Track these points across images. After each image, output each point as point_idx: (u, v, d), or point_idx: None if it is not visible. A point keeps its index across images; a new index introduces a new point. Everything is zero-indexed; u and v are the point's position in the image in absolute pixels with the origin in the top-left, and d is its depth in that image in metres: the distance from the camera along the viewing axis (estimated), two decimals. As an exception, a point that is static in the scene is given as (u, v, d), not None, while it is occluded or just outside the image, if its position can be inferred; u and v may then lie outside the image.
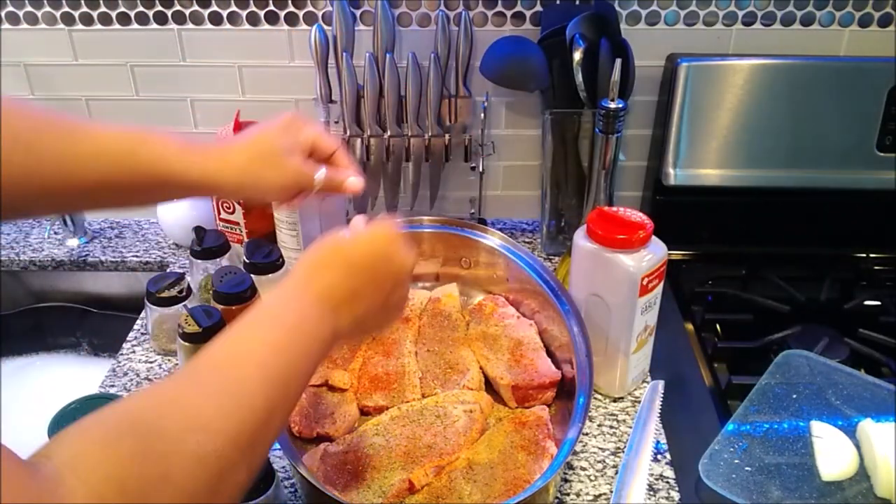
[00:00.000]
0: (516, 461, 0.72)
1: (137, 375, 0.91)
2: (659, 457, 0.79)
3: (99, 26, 1.07)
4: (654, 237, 0.79)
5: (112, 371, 0.92)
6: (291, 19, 1.05)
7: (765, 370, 0.85)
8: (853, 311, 1.00)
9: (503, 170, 1.17)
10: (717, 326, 0.98)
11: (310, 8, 1.05)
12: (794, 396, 0.83)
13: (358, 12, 1.04)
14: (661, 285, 0.81)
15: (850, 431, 0.78)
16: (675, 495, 0.75)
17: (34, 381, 1.09)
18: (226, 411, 0.45)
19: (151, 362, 0.93)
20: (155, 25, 1.06)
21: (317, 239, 0.60)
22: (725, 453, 0.76)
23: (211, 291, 0.92)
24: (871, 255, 1.11)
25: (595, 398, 0.86)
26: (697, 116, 1.03)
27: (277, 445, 0.68)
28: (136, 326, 0.99)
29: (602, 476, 0.77)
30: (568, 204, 1.10)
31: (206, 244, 0.97)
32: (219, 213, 1.07)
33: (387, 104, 1.04)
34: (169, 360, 0.93)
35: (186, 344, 0.84)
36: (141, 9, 1.05)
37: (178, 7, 1.05)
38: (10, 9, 1.06)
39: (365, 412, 0.81)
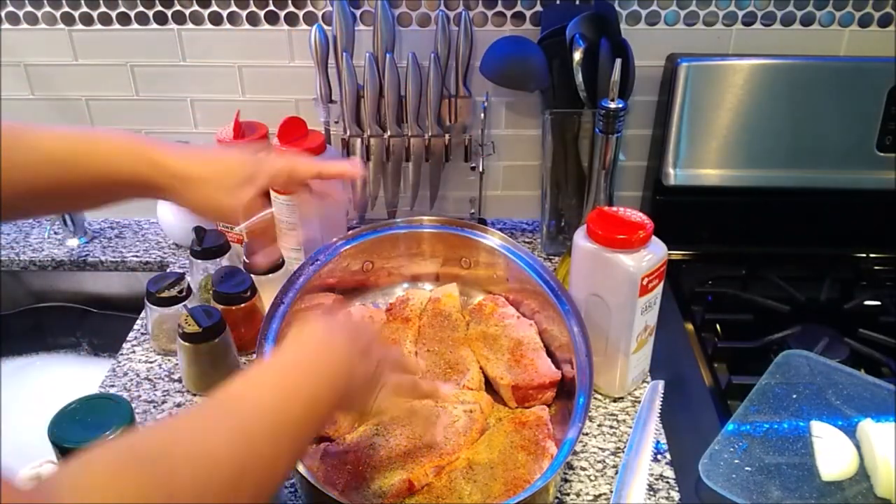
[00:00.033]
0: (516, 461, 0.72)
1: (137, 375, 0.91)
2: (659, 457, 0.79)
3: (99, 26, 1.07)
4: (654, 237, 0.79)
5: (112, 371, 0.92)
6: (291, 19, 1.05)
7: (765, 370, 0.85)
8: (853, 311, 1.00)
9: (503, 170, 1.17)
10: (717, 326, 0.98)
11: (310, 8, 1.05)
12: (794, 396, 0.83)
13: (358, 12, 1.04)
14: (661, 285, 0.81)
15: (850, 431, 0.78)
16: (675, 495, 0.75)
17: (34, 381, 1.09)
18: (234, 445, 0.45)
19: (151, 362, 0.93)
20: (155, 25, 1.06)
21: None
22: (725, 453, 0.76)
23: (211, 291, 0.92)
24: (871, 255, 1.11)
25: (595, 398, 0.86)
26: (697, 116, 1.03)
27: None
28: (136, 326, 0.99)
29: (602, 476, 0.77)
30: (568, 204, 1.10)
31: (206, 244, 0.97)
32: (219, 213, 1.07)
33: (387, 104, 1.04)
34: (169, 360, 0.93)
35: (186, 344, 0.84)
36: (141, 9, 1.05)
37: (178, 7, 1.05)
38: (10, 9, 1.06)
39: (365, 412, 0.81)
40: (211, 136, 1.04)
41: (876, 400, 0.81)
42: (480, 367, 0.84)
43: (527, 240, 1.17)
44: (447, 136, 1.07)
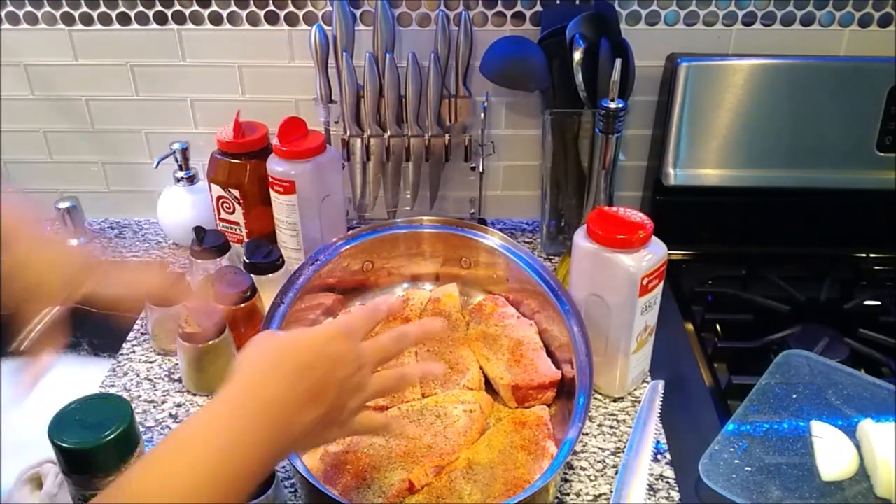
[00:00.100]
0: (516, 461, 0.72)
1: (137, 375, 0.91)
2: (659, 457, 0.79)
3: (99, 26, 1.07)
4: (654, 237, 0.79)
5: (112, 371, 0.92)
6: (291, 19, 1.05)
7: (765, 370, 0.85)
8: (853, 311, 1.00)
9: (503, 170, 1.17)
10: (717, 326, 0.98)
11: (310, 8, 1.05)
12: (794, 396, 0.83)
13: (358, 12, 1.04)
14: (661, 285, 0.81)
15: (850, 431, 0.78)
16: (675, 495, 0.75)
17: (34, 381, 1.09)
18: None
19: (151, 362, 0.93)
20: (155, 25, 1.06)
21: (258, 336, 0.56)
22: (725, 453, 0.76)
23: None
24: (871, 255, 1.11)
25: (595, 398, 0.86)
26: (697, 116, 1.03)
27: (277, 445, 0.68)
28: (136, 326, 1.00)
29: (602, 476, 0.77)
30: (568, 204, 1.10)
31: (206, 244, 0.97)
32: (219, 213, 1.07)
33: (387, 104, 1.04)
34: (169, 360, 0.93)
35: (186, 344, 0.84)
36: (141, 9, 1.05)
37: (178, 7, 1.05)
38: (10, 9, 1.06)
39: (365, 412, 0.81)
40: (211, 136, 1.04)
41: (876, 400, 0.81)
42: (480, 367, 0.84)
43: (527, 240, 1.17)
44: (447, 136, 1.07)
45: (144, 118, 1.14)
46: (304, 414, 0.52)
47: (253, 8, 1.04)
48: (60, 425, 0.61)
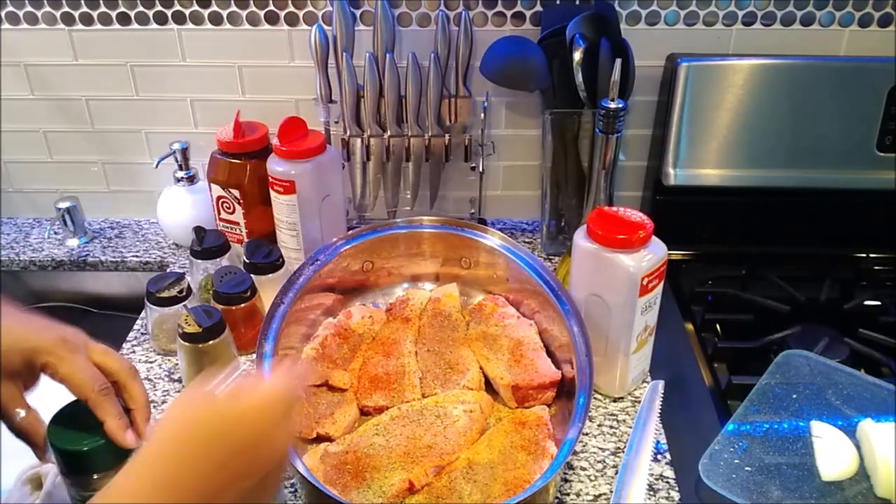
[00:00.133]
0: (516, 461, 0.72)
1: (137, 375, 0.91)
2: (659, 457, 0.79)
3: (99, 26, 1.07)
4: (654, 237, 0.79)
5: (112, 371, 0.92)
6: (291, 19, 1.05)
7: (765, 370, 0.85)
8: (853, 311, 1.00)
9: (503, 170, 1.17)
10: (717, 326, 0.98)
11: (310, 8, 1.05)
12: (794, 396, 0.83)
13: (358, 12, 1.04)
14: (661, 285, 0.81)
15: (850, 431, 0.78)
16: (675, 495, 0.75)
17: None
18: None
19: (151, 362, 0.93)
20: (155, 25, 1.06)
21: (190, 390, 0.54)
22: (725, 453, 0.76)
23: (211, 291, 0.92)
24: (871, 255, 1.11)
25: (595, 398, 0.86)
26: (697, 116, 1.03)
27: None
28: (136, 326, 0.99)
29: (602, 476, 0.77)
30: (568, 204, 1.10)
31: (206, 244, 0.97)
32: (219, 213, 1.07)
33: (387, 104, 1.04)
34: (169, 360, 0.93)
35: (186, 344, 0.84)
36: (141, 9, 1.05)
37: (178, 7, 1.05)
38: (10, 9, 1.06)
39: (365, 412, 0.81)
40: (211, 136, 1.04)
41: (876, 400, 0.81)
42: (480, 367, 0.84)
43: (527, 240, 1.17)
44: (447, 136, 1.07)
45: (144, 118, 1.14)
46: (233, 490, 0.48)
47: (253, 8, 1.04)
48: (59, 426, 0.61)
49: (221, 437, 0.47)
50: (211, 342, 0.84)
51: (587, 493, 0.75)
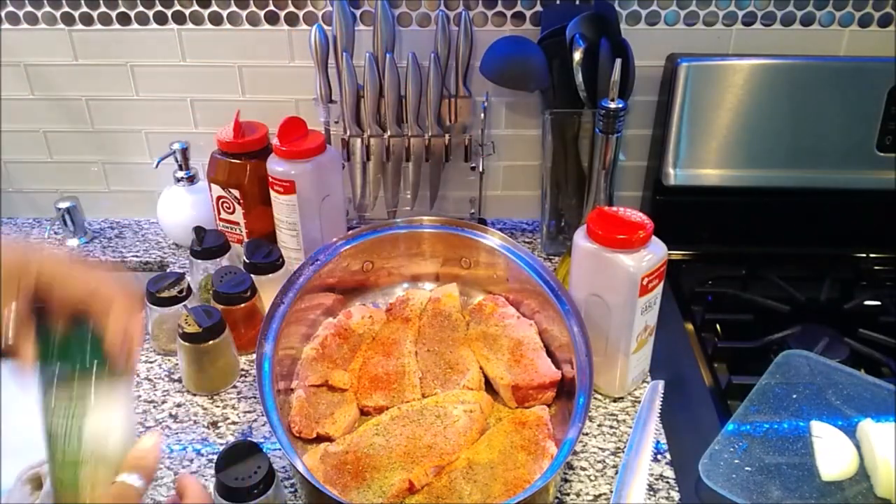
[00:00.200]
0: (516, 461, 0.72)
1: (137, 375, 0.91)
2: (659, 457, 0.79)
3: (99, 26, 1.07)
4: (654, 237, 0.79)
5: (112, 371, 0.92)
6: (291, 19, 1.05)
7: (765, 370, 0.85)
8: (853, 311, 1.00)
9: (503, 170, 1.17)
10: (717, 326, 0.98)
11: (310, 8, 1.05)
12: (794, 396, 0.83)
13: (358, 12, 1.04)
14: (661, 285, 0.81)
15: (850, 431, 0.78)
16: (675, 495, 0.75)
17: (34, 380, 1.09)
18: None
19: (151, 362, 0.93)
20: (155, 25, 1.06)
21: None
22: (725, 453, 0.76)
23: (211, 291, 0.92)
24: (871, 255, 1.11)
25: (595, 398, 0.86)
26: (697, 116, 1.03)
27: (278, 445, 0.68)
28: (136, 326, 0.99)
29: (602, 476, 0.77)
30: (568, 204, 1.10)
31: (206, 244, 0.97)
32: (219, 213, 1.07)
33: (387, 104, 1.04)
34: (169, 360, 0.93)
35: (186, 344, 0.84)
36: (141, 9, 1.05)
37: (178, 7, 1.05)
38: (10, 9, 1.06)
39: (365, 412, 0.81)
40: (211, 136, 1.04)
41: (876, 400, 0.81)
42: (480, 367, 0.84)
43: (527, 240, 1.17)
44: (447, 136, 1.07)
45: (144, 118, 1.14)
46: None
47: (253, 8, 1.04)
48: None
49: None
50: (211, 342, 0.84)
51: (587, 493, 0.75)
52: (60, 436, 0.53)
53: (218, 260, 0.97)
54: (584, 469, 0.78)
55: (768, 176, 1.05)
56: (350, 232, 0.91)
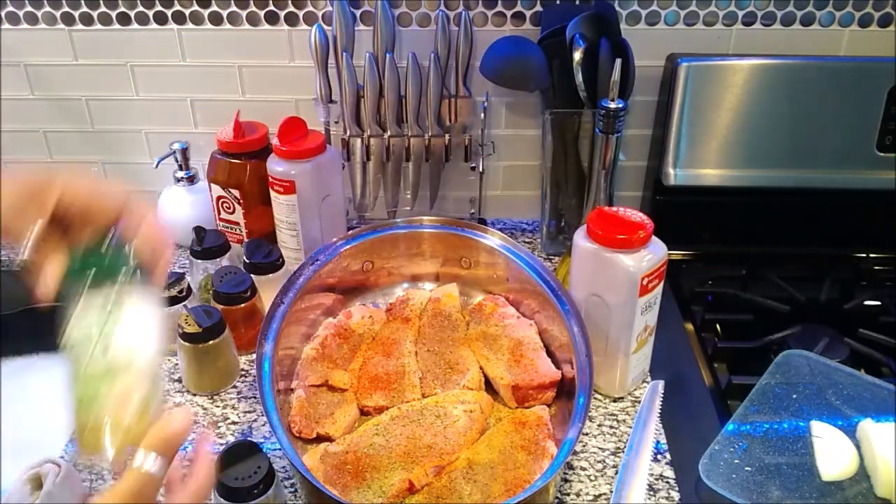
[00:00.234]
0: (516, 461, 0.72)
1: (137, 375, 0.91)
2: (659, 457, 0.79)
3: (99, 26, 1.07)
4: (654, 237, 0.79)
5: (112, 371, 0.92)
6: (291, 19, 1.05)
7: (765, 370, 0.85)
8: (853, 311, 1.00)
9: (503, 170, 1.17)
10: (717, 326, 0.98)
11: (310, 8, 1.05)
12: (794, 396, 0.83)
13: (358, 12, 1.04)
14: (661, 285, 0.81)
15: (850, 431, 0.78)
16: (675, 495, 0.75)
17: (34, 381, 1.09)
18: None
19: (151, 362, 0.93)
20: (155, 25, 1.06)
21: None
22: (725, 453, 0.76)
23: (211, 291, 0.92)
24: (871, 255, 1.11)
25: (595, 398, 0.86)
26: (697, 116, 1.03)
27: (278, 445, 0.68)
28: (136, 326, 0.99)
29: (602, 476, 0.77)
30: (568, 204, 1.10)
31: (206, 244, 0.97)
32: (219, 213, 1.07)
33: (387, 104, 1.04)
34: (169, 360, 0.93)
35: (186, 344, 0.84)
36: (141, 9, 1.05)
37: (178, 7, 1.05)
38: (10, 9, 1.06)
39: (365, 412, 0.81)
40: (211, 135, 1.04)
41: (876, 400, 0.81)
42: (480, 367, 0.84)
43: (527, 240, 1.17)
44: (447, 136, 1.07)
45: (144, 118, 1.14)
46: None
47: (253, 8, 1.04)
48: None
49: None
50: (211, 342, 0.84)
51: (587, 493, 0.75)
52: (88, 345, 0.51)
53: (218, 260, 0.97)
54: (584, 469, 0.78)
55: (768, 176, 1.05)
56: (350, 232, 0.91)
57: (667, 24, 1.04)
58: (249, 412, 0.85)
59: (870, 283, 1.06)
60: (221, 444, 0.81)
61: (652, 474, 0.77)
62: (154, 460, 0.49)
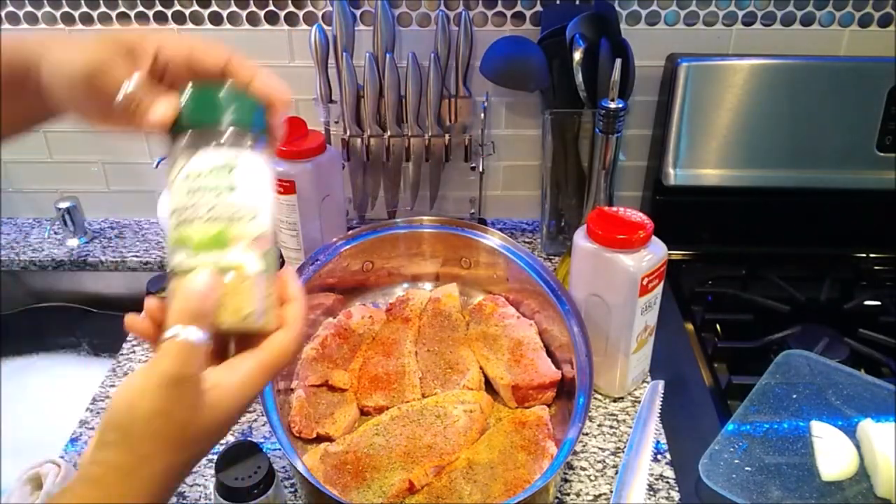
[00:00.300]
0: (516, 461, 0.72)
1: (137, 375, 0.91)
2: (659, 457, 0.79)
3: (99, 26, 1.06)
4: (654, 237, 0.79)
5: (112, 371, 0.92)
6: (291, 19, 1.05)
7: (765, 370, 0.85)
8: (853, 311, 1.00)
9: (503, 170, 1.17)
10: (717, 326, 0.98)
11: (310, 8, 1.05)
12: (794, 396, 0.83)
13: (358, 12, 1.04)
14: (661, 285, 0.81)
15: (850, 431, 0.78)
16: (675, 495, 0.75)
17: (34, 381, 1.09)
18: None
19: (151, 362, 0.93)
20: (155, 25, 1.06)
21: None
22: (725, 453, 0.76)
23: (211, 291, 0.92)
24: (871, 255, 1.11)
25: (595, 398, 0.86)
26: (697, 116, 1.03)
27: (278, 445, 0.68)
28: (136, 326, 0.99)
29: (602, 476, 0.77)
30: (568, 204, 1.10)
31: (206, 244, 0.96)
32: (219, 213, 1.07)
33: (387, 104, 1.04)
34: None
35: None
36: (141, 9, 1.05)
37: (178, 7, 1.05)
38: (10, 9, 1.06)
39: (365, 412, 0.81)
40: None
41: (876, 400, 0.81)
42: (480, 367, 0.84)
43: (527, 240, 1.17)
44: (447, 136, 1.07)
45: (144, 118, 1.14)
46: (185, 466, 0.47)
47: (253, 8, 1.04)
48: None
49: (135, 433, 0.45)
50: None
51: (587, 493, 0.75)
52: (205, 192, 0.48)
53: (218, 260, 0.97)
54: (584, 469, 0.78)
55: (768, 176, 1.05)
56: (350, 232, 0.91)
57: (667, 24, 1.04)
58: (249, 412, 0.85)
59: (870, 283, 1.06)
60: (222, 444, 0.81)
61: (652, 474, 0.77)
62: (192, 332, 0.46)
